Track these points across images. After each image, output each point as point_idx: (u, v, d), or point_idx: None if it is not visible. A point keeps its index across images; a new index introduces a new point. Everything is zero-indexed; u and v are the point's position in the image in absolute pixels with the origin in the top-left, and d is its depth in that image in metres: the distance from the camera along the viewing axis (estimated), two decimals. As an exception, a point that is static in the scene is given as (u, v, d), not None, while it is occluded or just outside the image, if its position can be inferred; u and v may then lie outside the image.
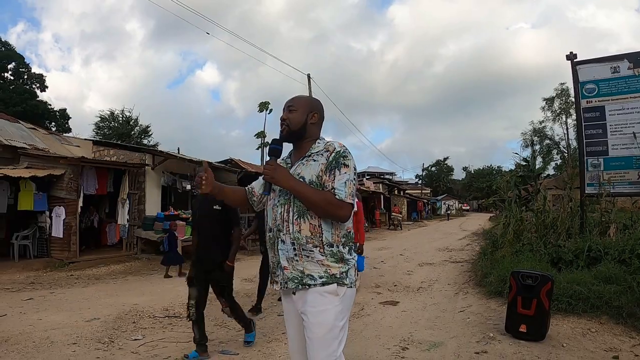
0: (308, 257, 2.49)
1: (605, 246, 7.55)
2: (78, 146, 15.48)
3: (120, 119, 40.89)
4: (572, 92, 39.22)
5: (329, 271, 2.49)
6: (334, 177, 2.49)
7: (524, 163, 12.83)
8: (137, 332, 5.94)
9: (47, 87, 40.67)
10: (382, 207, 38.16)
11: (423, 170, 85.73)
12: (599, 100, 9.58)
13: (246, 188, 2.98)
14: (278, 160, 2.69)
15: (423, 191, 68.46)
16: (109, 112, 41.01)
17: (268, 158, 2.63)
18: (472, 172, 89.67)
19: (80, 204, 12.49)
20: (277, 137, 2.70)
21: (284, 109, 2.73)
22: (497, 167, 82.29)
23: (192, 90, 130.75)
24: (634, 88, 9.25)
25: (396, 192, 47.74)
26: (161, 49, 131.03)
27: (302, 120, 2.67)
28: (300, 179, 2.53)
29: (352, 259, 2.60)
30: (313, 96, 24.33)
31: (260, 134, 50.76)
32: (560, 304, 6.06)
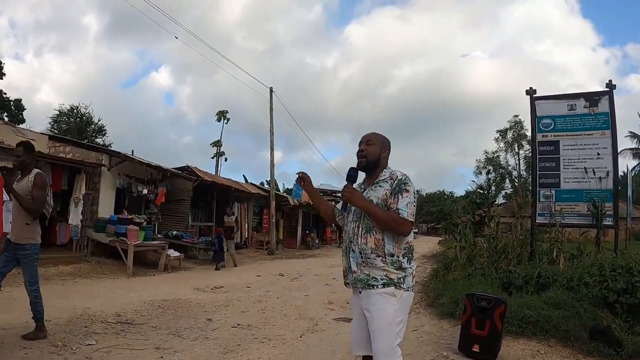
0: (372, 264, 3.07)
1: (554, 273, 7.81)
2: (33, 140, 15.01)
3: (78, 114, 39.63)
4: (526, 124, 40.45)
5: (388, 276, 3.05)
6: (398, 200, 3.06)
7: (480, 190, 13.12)
8: (90, 337, 5.76)
9: (4, 74, 38.16)
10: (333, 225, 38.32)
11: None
12: (554, 135, 9.93)
13: (335, 207, 3.60)
14: (354, 185, 3.28)
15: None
16: (68, 107, 39.69)
17: (346, 183, 3.21)
18: (424, 195, 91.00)
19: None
20: (354, 166, 3.29)
21: (361, 141, 3.33)
22: (450, 192, 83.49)
23: (146, 92, 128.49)
24: (588, 126, 9.63)
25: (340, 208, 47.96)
26: (116, 46, 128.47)
27: (377, 154, 3.28)
28: (370, 201, 3.11)
29: (410, 267, 3.14)
30: (272, 110, 24.55)
31: (217, 143, 50.43)
32: (511, 327, 6.20)
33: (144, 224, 13.99)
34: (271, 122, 24.68)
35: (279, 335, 6.46)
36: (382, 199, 3.11)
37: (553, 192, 9.83)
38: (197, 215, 20.19)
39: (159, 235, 15.15)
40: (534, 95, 10.20)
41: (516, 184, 50.11)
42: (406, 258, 3.13)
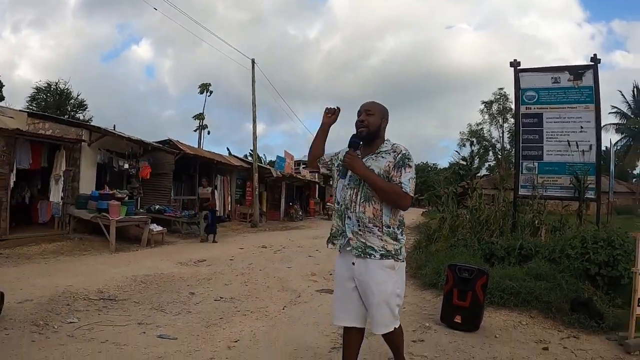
0: (370, 232, 3.10)
1: (537, 245, 7.86)
2: (12, 117, 14.65)
3: (57, 91, 38.88)
4: (510, 97, 40.54)
5: (386, 247, 3.10)
6: (401, 174, 3.09)
7: (463, 162, 13.13)
8: (72, 314, 5.66)
9: (-21, 51, 37.44)
10: (317, 196, 38.33)
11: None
12: (537, 108, 9.91)
13: (323, 153, 3.60)
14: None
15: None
16: (45, 84, 38.92)
17: (347, 149, 3.22)
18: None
19: (13, 178, 11.80)
20: (356, 134, 3.28)
21: (360, 111, 3.32)
22: (433, 164, 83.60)
23: (127, 66, 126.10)
24: (572, 99, 9.63)
25: (331, 182, 48.02)
26: (96, 20, 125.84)
27: (378, 124, 3.29)
28: (370, 170, 3.11)
29: (403, 239, 3.23)
30: (254, 82, 24.27)
31: (199, 116, 49.88)
32: (493, 298, 6.24)
33: (126, 199, 13.75)
34: (253, 94, 24.39)
35: (261, 307, 6.43)
36: (385, 170, 3.13)
37: (536, 164, 9.85)
38: (180, 189, 20.00)
39: (141, 210, 14.99)
40: (518, 68, 10.15)
41: (499, 156, 50.37)
42: (400, 230, 3.21)
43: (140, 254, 11.56)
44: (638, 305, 5.00)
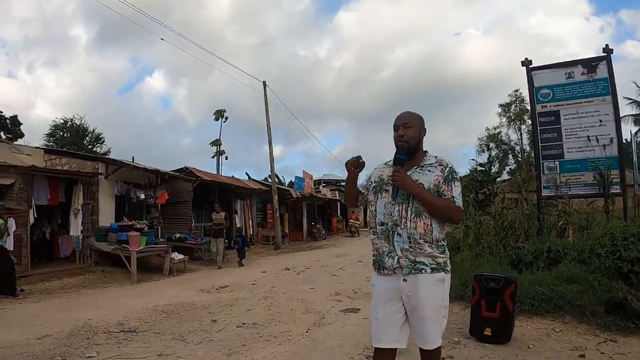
0: (421, 250, 2.98)
1: (564, 247, 7.61)
2: (29, 154, 14.82)
3: (72, 127, 39.44)
4: (526, 98, 40.30)
5: (436, 260, 3.00)
6: (452, 188, 3.04)
7: (481, 168, 12.91)
8: (91, 348, 5.58)
9: (-3, 93, 38.10)
10: (339, 214, 38.14)
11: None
12: (554, 105, 9.77)
13: (359, 189, 3.45)
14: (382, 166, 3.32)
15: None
16: (62, 120, 39.56)
17: (394, 167, 3.12)
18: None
19: (32, 215, 11.91)
20: (397, 150, 3.16)
21: (397, 125, 3.21)
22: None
23: (142, 98, 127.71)
24: (587, 93, 9.46)
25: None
26: (108, 55, 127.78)
27: (417, 136, 3.19)
28: (420, 185, 3.03)
29: (448, 251, 3.14)
30: (267, 103, 24.33)
31: (216, 142, 50.13)
32: (524, 306, 6.01)
33: (146, 229, 13.86)
34: (267, 115, 24.47)
35: (284, 331, 6.27)
36: (434, 184, 3.05)
37: (557, 163, 9.66)
38: (200, 216, 20.03)
39: (161, 240, 15.02)
40: (530, 66, 10.06)
41: (519, 159, 49.76)
42: (445, 241, 3.15)
43: (162, 284, 11.52)
44: (677, 303, 4.77)
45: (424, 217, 3.00)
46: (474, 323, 5.41)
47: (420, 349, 3.14)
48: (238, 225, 20.78)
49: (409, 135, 3.15)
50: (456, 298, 7.26)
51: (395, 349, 3.16)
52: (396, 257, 3.03)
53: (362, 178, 3.41)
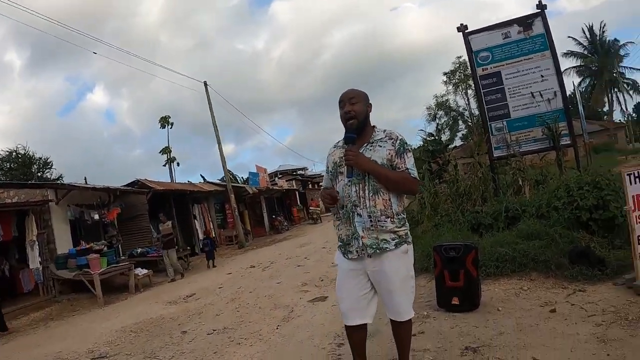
0: (382, 227, 3.00)
1: (522, 204, 7.60)
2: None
3: (18, 157, 37.85)
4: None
5: (398, 233, 3.04)
6: (405, 160, 3.06)
7: (431, 138, 12.88)
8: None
9: None
10: (299, 203, 37.90)
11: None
12: (494, 67, 9.83)
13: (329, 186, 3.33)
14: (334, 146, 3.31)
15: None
16: (6, 152, 37.91)
17: (345, 146, 3.11)
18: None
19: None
20: (347, 129, 3.13)
21: (343, 102, 3.17)
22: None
23: (86, 115, 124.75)
24: (526, 50, 9.55)
25: (310, 186, 47.51)
26: (45, 77, 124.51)
27: (364, 111, 3.17)
28: (373, 161, 3.02)
29: (407, 223, 3.19)
30: (210, 103, 23.89)
31: (166, 150, 49.18)
32: (488, 269, 5.94)
33: (105, 249, 13.46)
34: (212, 116, 24.01)
35: (255, 332, 6.07)
36: (387, 159, 3.04)
37: (504, 123, 9.70)
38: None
39: (122, 257, 14.59)
40: (466, 31, 10.06)
41: (470, 123, 50.44)
42: (404, 213, 3.19)
43: (129, 302, 11.15)
44: (639, 244, 4.72)
45: (382, 194, 3.01)
46: (440, 294, 5.30)
47: (392, 322, 3.23)
48: (199, 230, 20.39)
49: (356, 111, 3.11)
50: (421, 270, 7.17)
51: (366, 325, 3.28)
52: (360, 239, 3.04)
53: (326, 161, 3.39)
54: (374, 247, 3.00)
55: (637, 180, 4.81)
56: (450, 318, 4.94)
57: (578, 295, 4.92)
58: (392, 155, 3.04)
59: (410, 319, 3.22)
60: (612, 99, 48.60)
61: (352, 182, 3.05)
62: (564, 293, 5.07)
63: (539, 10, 9.45)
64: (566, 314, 4.47)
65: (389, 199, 3.02)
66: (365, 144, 3.12)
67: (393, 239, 3.02)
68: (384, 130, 3.17)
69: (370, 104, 3.26)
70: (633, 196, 4.78)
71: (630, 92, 49.43)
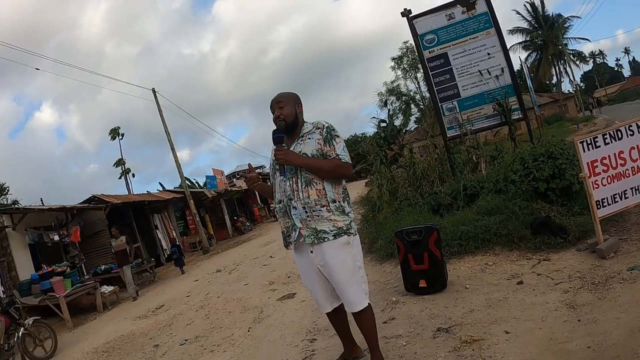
0: (318, 216, 3.10)
1: (479, 181, 7.63)
2: None
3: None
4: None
5: (336, 225, 3.11)
6: (334, 147, 3.17)
7: (384, 124, 12.87)
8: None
9: None
10: (259, 201, 37.59)
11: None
12: (440, 48, 9.86)
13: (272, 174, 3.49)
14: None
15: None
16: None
17: (275, 146, 3.24)
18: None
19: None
20: (276, 129, 3.25)
21: (272, 106, 3.32)
22: (362, 134, 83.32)
23: (36, 134, 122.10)
24: (471, 29, 9.62)
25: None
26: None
27: (293, 113, 3.29)
28: (304, 155, 3.15)
29: (351, 211, 3.28)
30: (160, 110, 23.44)
31: (120, 162, 48.16)
32: (452, 248, 5.94)
33: (67, 270, 13.00)
34: (163, 122, 23.59)
35: (226, 337, 5.97)
36: (317, 149, 3.17)
37: (455, 103, 9.75)
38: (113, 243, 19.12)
39: (87, 276, 14.13)
40: (410, 15, 10.04)
41: (422, 107, 50.92)
42: (346, 201, 3.25)
43: (98, 322, 10.81)
44: (597, 209, 4.77)
45: (314, 184, 3.13)
46: (407, 279, 5.26)
47: (352, 313, 3.28)
48: (162, 240, 20.03)
49: (284, 114, 3.26)
50: (386, 257, 7.16)
51: (340, 306, 3.40)
52: (297, 229, 3.16)
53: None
54: (312, 236, 3.11)
55: (590, 147, 4.88)
56: (419, 301, 4.91)
57: (543, 265, 4.96)
58: (321, 145, 3.17)
59: (366, 309, 3.24)
60: (559, 71, 49.72)
61: (286, 177, 3.20)
62: (529, 264, 5.10)
63: (481, -12, 9.49)
64: (533, 285, 4.49)
65: (323, 188, 3.13)
66: (297, 139, 3.28)
67: (331, 230, 3.10)
68: (312, 123, 3.31)
69: (300, 105, 3.40)
70: (587, 163, 4.85)
71: (577, 62, 50.84)
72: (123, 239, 13.60)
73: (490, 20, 9.40)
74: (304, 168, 3.14)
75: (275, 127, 3.28)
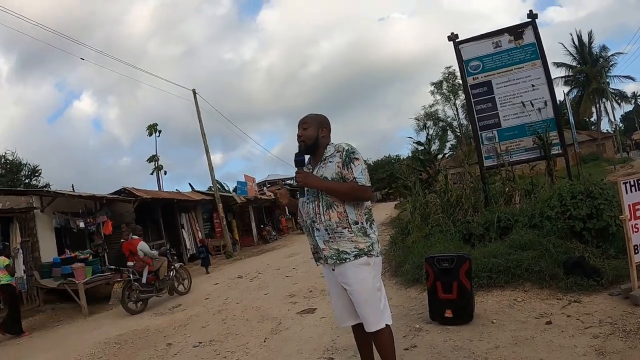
0: (340, 237, 3.18)
1: (514, 214, 7.50)
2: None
3: (6, 163, 37.27)
4: (458, 73, 41.42)
5: (358, 246, 3.17)
6: (352, 170, 3.19)
7: (421, 147, 12.79)
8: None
9: None
10: (287, 213, 37.62)
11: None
12: (485, 76, 9.74)
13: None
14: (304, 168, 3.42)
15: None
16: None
17: (296, 169, 3.35)
18: (372, 164, 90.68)
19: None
20: (297, 151, 3.38)
21: (298, 126, 3.41)
22: (395, 155, 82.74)
23: (73, 123, 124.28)
24: (517, 59, 9.48)
25: (299, 195, 47.34)
26: (32, 83, 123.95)
27: (314, 135, 3.36)
28: (324, 179, 3.22)
29: (374, 232, 3.30)
30: (199, 111, 23.70)
31: (153, 158, 48.77)
32: (481, 280, 5.81)
33: (90, 258, 13.11)
34: (200, 124, 23.89)
35: (241, 345, 5.91)
36: (337, 172, 3.21)
37: (495, 132, 9.63)
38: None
39: (108, 266, 14.28)
40: (457, 40, 9.98)
41: (458, 134, 50.55)
42: (369, 223, 3.27)
43: (113, 312, 10.79)
44: (635, 253, 4.65)
45: (335, 207, 3.19)
46: (433, 307, 5.17)
47: (369, 333, 3.28)
48: (186, 239, 20.24)
49: (306, 135, 3.35)
50: (412, 282, 7.05)
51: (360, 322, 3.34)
52: (321, 251, 3.26)
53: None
54: (334, 257, 3.19)
55: (633, 189, 4.77)
56: (443, 331, 4.82)
57: (574, 307, 4.83)
58: (340, 168, 3.22)
59: (383, 330, 3.25)
60: (599, 109, 49.01)
61: (309, 199, 3.30)
62: (559, 304, 4.97)
63: (530, 20, 9.40)
64: (562, 326, 4.37)
65: (344, 211, 3.19)
66: (320, 162, 3.34)
67: (352, 251, 3.16)
68: (335, 146, 3.36)
69: (326, 128, 3.45)
70: (629, 205, 4.73)
71: (619, 101, 50.04)
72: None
73: (537, 51, 9.27)
74: (322, 191, 3.22)
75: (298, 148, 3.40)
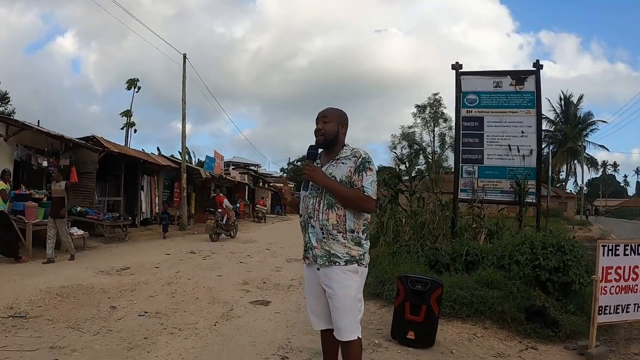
0: (334, 239, 3.11)
1: (482, 251, 7.61)
2: None
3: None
4: (444, 102, 41.76)
5: (350, 252, 3.11)
6: (362, 178, 3.12)
7: (402, 166, 12.88)
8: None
9: None
10: (247, 198, 37.46)
11: (289, 164, 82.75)
12: (478, 111, 9.83)
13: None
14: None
15: (288, 185, 67.75)
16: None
17: (306, 160, 3.30)
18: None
19: None
20: (313, 144, 3.31)
21: (318, 119, 3.33)
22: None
23: (52, 58, 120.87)
24: (513, 103, 9.60)
25: (261, 184, 47.07)
26: (18, 8, 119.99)
27: (335, 131, 3.28)
28: (332, 178, 3.15)
29: (367, 243, 3.24)
30: (185, 77, 23.42)
31: (127, 113, 47.66)
32: (444, 308, 5.83)
33: (44, 200, 12.63)
34: (184, 90, 23.57)
35: (190, 323, 5.79)
36: (346, 176, 3.15)
37: (476, 167, 9.74)
38: (105, 190, 18.88)
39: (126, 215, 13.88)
40: (460, 70, 10.04)
41: (430, 160, 51.04)
42: (365, 234, 3.23)
43: (58, 261, 10.49)
44: (599, 314, 4.81)
45: (336, 209, 3.13)
46: (396, 325, 5.21)
47: (339, 342, 3.22)
48: (143, 202, 20.00)
49: (326, 129, 3.26)
50: (373, 295, 7.07)
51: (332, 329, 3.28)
52: (313, 249, 3.20)
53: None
54: (324, 258, 3.12)
55: (610, 253, 4.94)
56: (403, 352, 4.86)
57: (531, 352, 4.94)
58: (351, 172, 3.15)
59: (355, 342, 3.19)
60: (569, 169, 50.43)
61: (311, 194, 3.23)
62: (517, 347, 5.08)
63: (535, 69, 9.54)
64: (518, 370, 4.46)
65: (344, 215, 3.13)
66: (331, 160, 3.27)
67: (344, 256, 3.10)
68: (352, 149, 3.30)
69: (345, 125, 3.39)
70: (603, 267, 4.89)
71: (588, 166, 51.62)
72: (62, 185, 11.24)
73: (535, 100, 9.41)
74: (328, 189, 3.14)
75: (315, 140, 3.32)
